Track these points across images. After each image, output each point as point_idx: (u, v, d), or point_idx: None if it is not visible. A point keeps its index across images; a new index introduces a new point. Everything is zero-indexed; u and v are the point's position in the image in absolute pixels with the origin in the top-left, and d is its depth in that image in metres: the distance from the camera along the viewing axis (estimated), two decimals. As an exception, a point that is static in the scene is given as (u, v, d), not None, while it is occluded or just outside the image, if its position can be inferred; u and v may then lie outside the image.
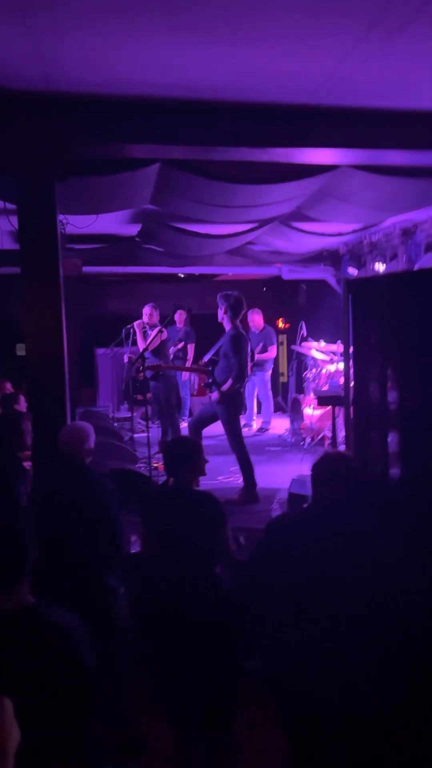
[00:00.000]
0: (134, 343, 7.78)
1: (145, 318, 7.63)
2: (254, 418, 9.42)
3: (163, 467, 3.65)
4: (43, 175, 4.39)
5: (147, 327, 7.62)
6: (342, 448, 5.56)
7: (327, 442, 7.61)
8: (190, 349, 9.65)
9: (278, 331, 11.17)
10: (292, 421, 8.66)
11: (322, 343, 8.70)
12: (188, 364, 9.44)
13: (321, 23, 3.15)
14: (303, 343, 8.83)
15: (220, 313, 5.94)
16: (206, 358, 6.09)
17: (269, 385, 9.40)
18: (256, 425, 9.32)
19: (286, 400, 10.32)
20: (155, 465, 6.28)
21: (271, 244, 8.36)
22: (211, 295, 7.66)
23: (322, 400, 6.31)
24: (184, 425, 8.38)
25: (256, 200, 5.71)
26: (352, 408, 3.89)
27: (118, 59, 3.58)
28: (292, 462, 7.10)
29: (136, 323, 7.63)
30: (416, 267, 7.67)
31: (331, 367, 8.20)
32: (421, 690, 1.94)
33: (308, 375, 8.64)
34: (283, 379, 11.95)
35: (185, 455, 3.26)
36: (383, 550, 2.24)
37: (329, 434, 7.33)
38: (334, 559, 2.21)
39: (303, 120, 4.35)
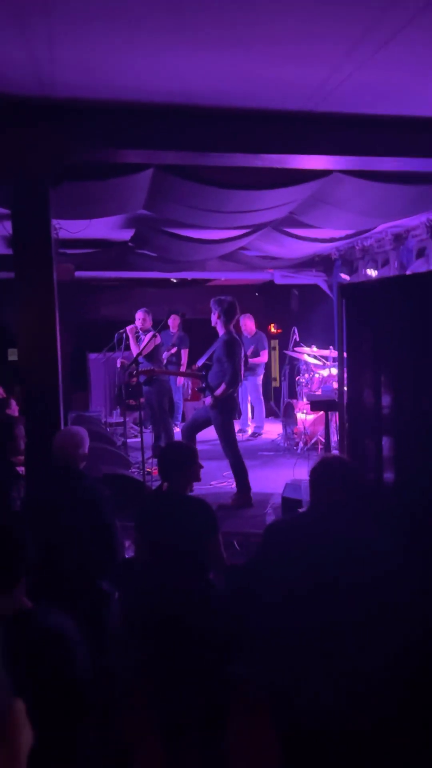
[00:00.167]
0: (127, 348, 7.77)
1: (138, 323, 7.63)
2: (249, 423, 9.43)
3: (156, 472, 3.64)
4: (37, 180, 4.39)
5: (140, 332, 7.62)
6: (335, 452, 5.57)
7: (320, 446, 7.63)
8: (184, 354, 9.66)
9: (270, 336, 11.20)
10: (285, 426, 8.67)
11: (314, 348, 8.72)
12: (182, 369, 9.45)
13: (315, 31, 3.17)
14: (296, 348, 8.86)
15: (214, 317, 5.95)
16: (200, 363, 6.09)
17: (261, 390, 9.42)
18: (250, 430, 9.33)
19: (278, 405, 10.34)
20: (148, 470, 6.27)
21: (264, 249, 8.39)
22: (203, 300, 7.68)
23: (316, 405, 6.32)
24: (177, 430, 8.38)
25: (250, 206, 5.73)
26: (346, 413, 3.90)
27: (112, 65, 3.59)
28: (286, 467, 7.11)
29: (128, 328, 7.62)
30: (408, 272, 7.71)
31: (324, 372, 8.23)
32: (421, 699, 1.94)
33: (301, 380, 8.67)
34: (275, 384, 11.97)
35: (180, 461, 3.26)
36: (382, 556, 2.24)
37: (322, 439, 7.35)
38: (334, 564, 2.21)
39: (297, 126, 4.37)
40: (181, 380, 9.84)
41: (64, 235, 6.58)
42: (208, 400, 5.80)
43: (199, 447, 4.70)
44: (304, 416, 8.06)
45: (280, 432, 8.90)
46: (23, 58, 3.45)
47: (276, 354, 11.81)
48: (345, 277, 9.30)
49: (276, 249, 8.36)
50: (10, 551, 1.89)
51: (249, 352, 8.94)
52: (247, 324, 9.31)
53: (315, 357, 8.56)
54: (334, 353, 8.24)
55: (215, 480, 6.55)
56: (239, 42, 3.31)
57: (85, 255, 8.17)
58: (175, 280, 11.60)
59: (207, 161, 4.70)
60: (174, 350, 9.59)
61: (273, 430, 9.31)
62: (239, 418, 8.65)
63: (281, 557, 2.42)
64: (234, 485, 5.91)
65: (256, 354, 9.16)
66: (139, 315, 7.66)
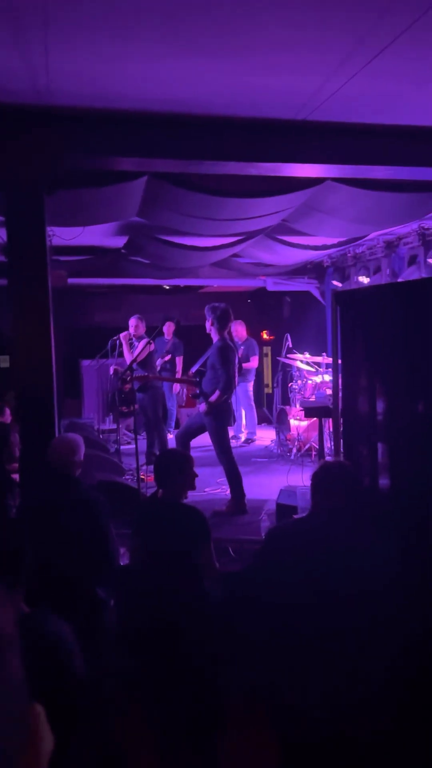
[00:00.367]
0: (120, 354, 7.77)
1: (131, 329, 7.63)
2: (243, 429, 9.44)
3: (150, 479, 3.65)
4: (32, 187, 4.40)
5: (133, 338, 7.62)
6: (331, 458, 5.59)
7: (313, 453, 7.65)
8: (179, 361, 9.67)
9: (262, 343, 11.23)
10: (278, 432, 8.69)
11: (307, 355, 8.76)
12: (177, 375, 9.45)
13: (309, 41, 3.20)
14: (288, 355, 8.88)
15: (208, 324, 5.97)
16: (194, 369, 6.11)
17: (252, 396, 9.45)
18: (243, 436, 9.35)
19: (271, 412, 10.37)
20: (142, 477, 6.27)
21: (257, 256, 8.42)
22: (196, 307, 7.70)
23: (310, 412, 6.34)
24: (170, 437, 8.38)
25: (243, 213, 5.76)
26: (341, 419, 3.92)
27: (108, 74, 3.62)
28: (279, 473, 7.12)
29: (122, 335, 7.63)
30: (399, 280, 7.76)
31: (317, 379, 8.26)
32: (422, 705, 1.94)
33: (294, 386, 8.69)
34: (267, 390, 12.00)
35: (176, 468, 3.27)
36: (382, 562, 2.25)
37: (315, 445, 7.37)
38: (334, 570, 2.22)
39: (290, 135, 4.41)
40: (176, 387, 9.85)
41: (58, 242, 6.59)
42: (203, 406, 5.81)
43: (192, 454, 4.71)
44: (297, 423, 8.08)
45: (273, 438, 8.92)
46: (19, 67, 3.47)
47: (269, 360, 11.84)
48: (337, 284, 9.35)
49: (269, 256, 8.40)
50: (7, 557, 1.90)
51: (240, 354, 8.97)
52: (239, 330, 9.34)
53: (308, 363, 8.59)
54: (327, 360, 8.28)
55: (209, 487, 6.55)
56: (234, 53, 3.34)
57: (78, 262, 8.18)
58: (167, 287, 11.62)
59: (200, 169, 4.73)
60: (168, 357, 9.59)
61: (266, 436, 9.32)
62: (233, 425, 8.66)
63: (282, 562, 2.43)
64: (228, 492, 5.92)
65: (246, 359, 9.19)
66: (132, 322, 7.67)
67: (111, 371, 8.23)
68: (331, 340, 4.05)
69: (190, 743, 2.81)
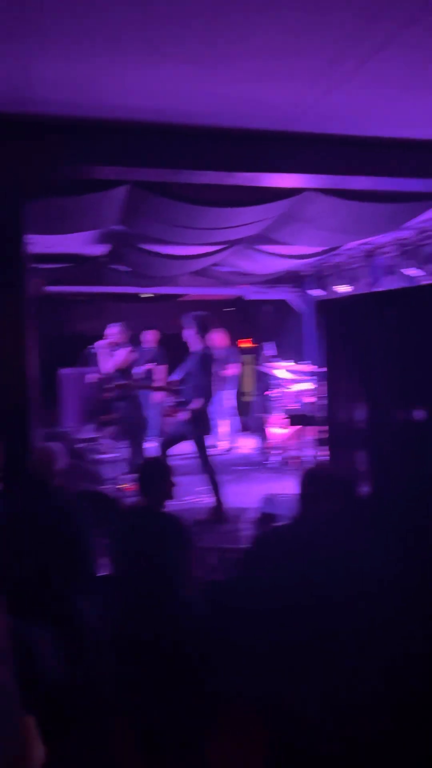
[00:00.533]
0: (95, 363, 7.74)
1: (110, 338, 7.61)
2: (222, 438, 9.44)
3: (130, 488, 3.64)
4: (11, 196, 4.38)
5: (113, 347, 7.59)
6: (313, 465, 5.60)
7: (294, 461, 7.67)
8: (162, 369, 9.65)
9: (242, 351, 11.26)
10: (258, 441, 8.70)
11: (290, 363, 8.79)
12: (160, 384, 9.43)
13: (290, 52, 3.24)
14: (267, 363, 8.91)
15: (189, 332, 5.98)
16: (174, 377, 6.10)
17: (233, 404, 9.45)
18: (223, 445, 9.34)
19: (251, 420, 10.38)
20: (122, 486, 6.23)
21: (237, 265, 8.45)
22: (175, 316, 7.69)
23: (294, 420, 6.37)
24: (149, 446, 8.34)
25: (223, 223, 5.78)
26: (327, 426, 3.94)
27: (88, 84, 3.62)
28: (259, 481, 7.14)
29: (99, 343, 7.60)
30: (377, 289, 7.83)
31: (297, 387, 8.29)
32: (415, 711, 1.95)
33: (272, 395, 8.72)
34: (246, 398, 12.01)
35: (158, 477, 3.27)
36: (370, 567, 2.26)
37: (296, 453, 7.39)
38: (321, 575, 2.22)
39: (270, 146, 4.44)
40: (159, 396, 9.82)
41: (36, 250, 6.54)
42: (183, 414, 5.81)
43: (172, 462, 4.70)
44: (278, 431, 8.10)
45: (253, 447, 8.93)
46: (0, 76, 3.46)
47: (248, 369, 11.87)
48: (317, 292, 9.41)
49: (248, 265, 8.43)
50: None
51: (220, 362, 8.98)
52: (218, 338, 9.36)
53: (289, 371, 8.62)
54: (309, 368, 8.32)
55: (189, 495, 6.54)
56: (214, 63, 3.37)
57: (57, 270, 8.14)
58: (144, 295, 11.60)
59: (179, 178, 4.74)
60: (150, 365, 9.57)
61: (246, 444, 9.33)
62: (212, 433, 8.66)
63: (268, 569, 2.43)
64: (208, 500, 5.91)
65: (226, 367, 9.22)
66: (113, 330, 7.64)
67: (90, 380, 8.19)
68: (309, 349, 4.08)
69: (179, 751, 2.80)
